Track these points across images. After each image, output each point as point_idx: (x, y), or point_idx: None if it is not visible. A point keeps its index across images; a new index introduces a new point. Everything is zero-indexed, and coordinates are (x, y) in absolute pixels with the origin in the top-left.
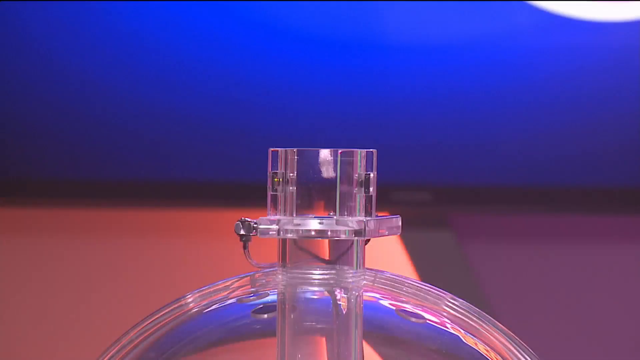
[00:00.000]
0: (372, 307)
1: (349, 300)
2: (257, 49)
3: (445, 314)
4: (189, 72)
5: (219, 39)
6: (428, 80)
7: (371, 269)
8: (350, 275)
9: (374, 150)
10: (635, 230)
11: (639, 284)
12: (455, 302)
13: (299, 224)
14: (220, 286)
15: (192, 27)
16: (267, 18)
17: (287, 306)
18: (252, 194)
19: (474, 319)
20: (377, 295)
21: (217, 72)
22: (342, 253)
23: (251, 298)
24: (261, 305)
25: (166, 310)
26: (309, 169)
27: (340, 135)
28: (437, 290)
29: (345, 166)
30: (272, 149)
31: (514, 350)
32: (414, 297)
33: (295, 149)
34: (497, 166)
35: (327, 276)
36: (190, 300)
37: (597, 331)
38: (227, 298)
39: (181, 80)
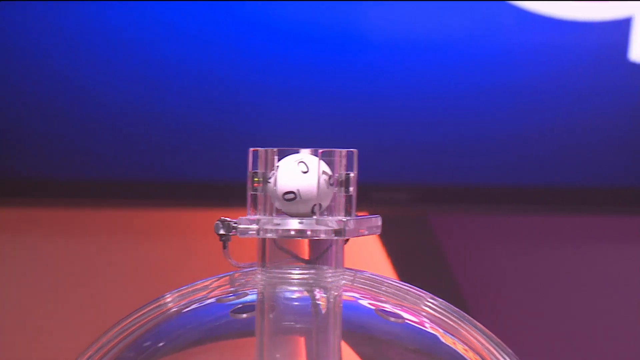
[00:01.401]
0: (351, 307)
1: (328, 300)
2: (240, 47)
3: (424, 313)
4: (172, 71)
5: (202, 38)
6: (409, 79)
7: (350, 269)
8: (330, 275)
9: (355, 150)
10: (614, 230)
11: (616, 282)
12: (434, 302)
13: (278, 224)
14: (199, 286)
15: (176, 27)
16: (250, 16)
17: (266, 306)
18: (236, 193)
19: (453, 318)
20: (357, 295)
21: (198, 71)
22: (321, 253)
23: (230, 298)
24: (240, 305)
25: (145, 310)
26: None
27: (321, 135)
28: (416, 290)
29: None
30: (252, 148)
31: (493, 350)
32: (393, 296)
33: (275, 149)
34: (477, 166)
35: (306, 276)
36: (169, 300)
37: (577, 330)
38: (206, 298)
39: (166, 80)
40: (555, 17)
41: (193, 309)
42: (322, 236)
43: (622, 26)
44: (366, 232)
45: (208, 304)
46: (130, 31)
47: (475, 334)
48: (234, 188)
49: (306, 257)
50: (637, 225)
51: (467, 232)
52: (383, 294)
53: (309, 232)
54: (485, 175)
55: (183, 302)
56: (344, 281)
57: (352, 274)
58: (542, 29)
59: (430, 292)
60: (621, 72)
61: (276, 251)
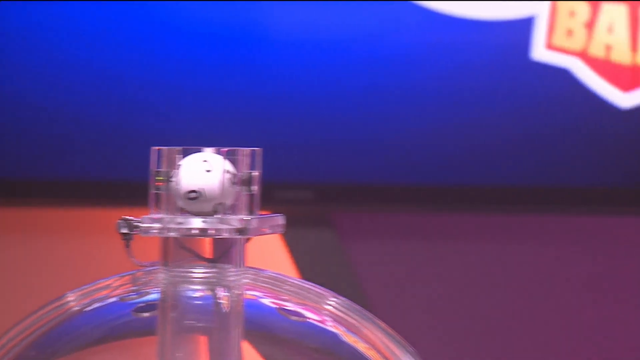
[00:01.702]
0: (253, 306)
1: (230, 299)
2: (143, 46)
3: (326, 312)
4: (75, 70)
5: (105, 37)
6: (312, 78)
7: (253, 268)
8: (232, 274)
9: (258, 149)
10: (514, 229)
11: (512, 281)
12: (336, 300)
13: (181, 223)
14: (101, 285)
15: (80, 26)
16: (153, 16)
17: (168, 305)
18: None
19: (355, 316)
20: (259, 294)
21: (101, 71)
22: (224, 251)
23: (133, 297)
24: (142, 304)
25: (47, 309)
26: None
27: (225, 134)
28: (319, 289)
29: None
30: (155, 147)
31: (394, 348)
32: (295, 295)
33: (179, 148)
34: (379, 164)
35: (209, 275)
36: (71, 299)
37: (478, 328)
38: (108, 297)
39: (69, 79)
40: (458, 16)
41: (95, 307)
42: (225, 235)
43: (525, 25)
44: (269, 231)
45: (110, 302)
46: (34, 30)
47: (377, 332)
48: (138, 187)
49: (209, 255)
50: (528, 223)
51: (369, 230)
52: (285, 293)
53: (211, 231)
54: (387, 174)
55: (85, 301)
56: (246, 280)
57: (255, 273)
58: (446, 28)
59: (332, 291)
60: (523, 71)
61: (179, 250)
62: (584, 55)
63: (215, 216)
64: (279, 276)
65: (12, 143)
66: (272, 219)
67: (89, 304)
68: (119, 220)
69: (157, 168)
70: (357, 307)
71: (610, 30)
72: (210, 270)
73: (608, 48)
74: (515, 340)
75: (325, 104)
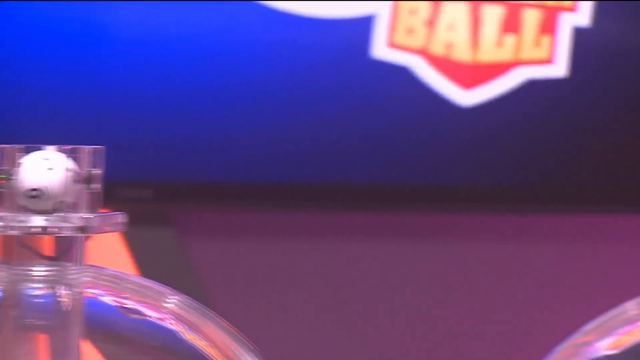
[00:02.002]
0: (93, 304)
1: (71, 297)
2: None
3: (166, 310)
4: None
5: None
6: (153, 75)
7: (93, 266)
8: (73, 272)
9: (101, 147)
10: (368, 227)
11: (355, 279)
12: (177, 298)
13: (22, 221)
14: None
15: None
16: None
17: (8, 303)
18: None
19: (196, 315)
20: (99, 292)
21: None
22: (64, 250)
23: None
24: None
25: None
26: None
27: (66, 131)
28: (159, 287)
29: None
30: None
31: (235, 346)
32: (135, 293)
33: (20, 146)
34: (218, 163)
35: (50, 273)
36: None
37: (319, 325)
38: None
39: None
40: (299, 14)
41: None
42: (66, 233)
43: (365, 23)
44: (110, 229)
45: None
46: None
47: (218, 330)
48: None
49: (50, 254)
50: (385, 222)
51: (210, 229)
52: (125, 291)
53: (52, 229)
54: (227, 172)
55: None
56: (87, 278)
57: (95, 271)
58: (287, 27)
59: (173, 289)
60: (364, 69)
61: (20, 248)
62: (424, 53)
63: (56, 214)
64: (119, 274)
65: None
66: (113, 217)
67: None
68: None
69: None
70: (198, 305)
71: (451, 28)
72: (52, 268)
73: (449, 46)
74: (361, 337)
75: (165, 102)
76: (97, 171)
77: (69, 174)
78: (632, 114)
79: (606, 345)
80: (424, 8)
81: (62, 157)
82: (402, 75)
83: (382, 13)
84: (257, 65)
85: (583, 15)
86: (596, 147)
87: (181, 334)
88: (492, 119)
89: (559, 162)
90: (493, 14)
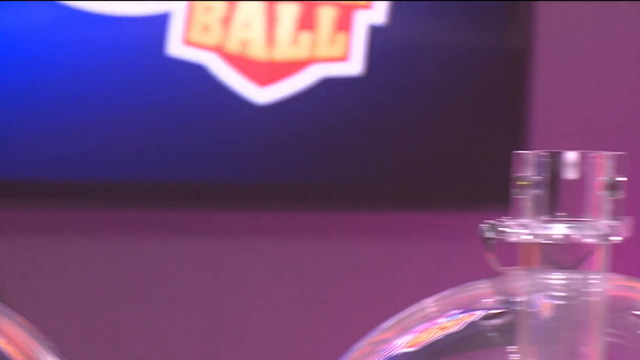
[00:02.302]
0: None
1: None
2: None
3: None
4: None
5: None
6: None
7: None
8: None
9: None
10: (174, 225)
11: (155, 277)
12: None
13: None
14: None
15: None
16: None
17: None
18: None
19: None
20: None
21: None
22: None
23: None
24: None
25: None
26: None
27: None
28: None
29: None
30: None
31: (32, 343)
32: None
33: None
34: (21, 160)
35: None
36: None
37: (116, 324)
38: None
39: None
40: (95, 12)
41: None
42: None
43: (161, 21)
44: None
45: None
46: None
47: (15, 328)
48: None
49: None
50: (178, 219)
51: (9, 227)
52: None
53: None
54: (11, 169)
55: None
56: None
57: None
58: (83, 25)
59: None
60: (160, 66)
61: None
62: (220, 51)
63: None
64: None
65: None
66: None
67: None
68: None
69: None
70: None
71: (246, 26)
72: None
73: (244, 44)
74: (162, 336)
75: None
76: None
77: None
78: (426, 111)
79: (404, 343)
80: (220, 6)
81: None
82: (198, 72)
83: (178, 10)
84: (54, 65)
85: (378, 13)
86: (390, 145)
87: None
88: (288, 116)
89: (354, 159)
90: (289, 12)
